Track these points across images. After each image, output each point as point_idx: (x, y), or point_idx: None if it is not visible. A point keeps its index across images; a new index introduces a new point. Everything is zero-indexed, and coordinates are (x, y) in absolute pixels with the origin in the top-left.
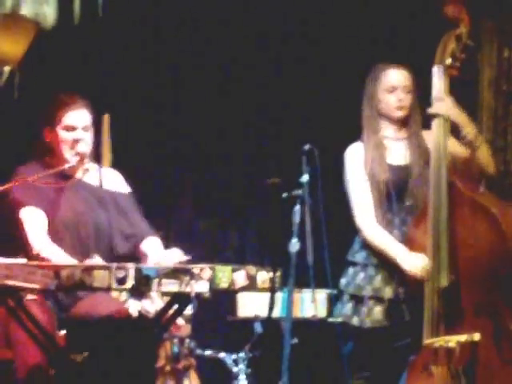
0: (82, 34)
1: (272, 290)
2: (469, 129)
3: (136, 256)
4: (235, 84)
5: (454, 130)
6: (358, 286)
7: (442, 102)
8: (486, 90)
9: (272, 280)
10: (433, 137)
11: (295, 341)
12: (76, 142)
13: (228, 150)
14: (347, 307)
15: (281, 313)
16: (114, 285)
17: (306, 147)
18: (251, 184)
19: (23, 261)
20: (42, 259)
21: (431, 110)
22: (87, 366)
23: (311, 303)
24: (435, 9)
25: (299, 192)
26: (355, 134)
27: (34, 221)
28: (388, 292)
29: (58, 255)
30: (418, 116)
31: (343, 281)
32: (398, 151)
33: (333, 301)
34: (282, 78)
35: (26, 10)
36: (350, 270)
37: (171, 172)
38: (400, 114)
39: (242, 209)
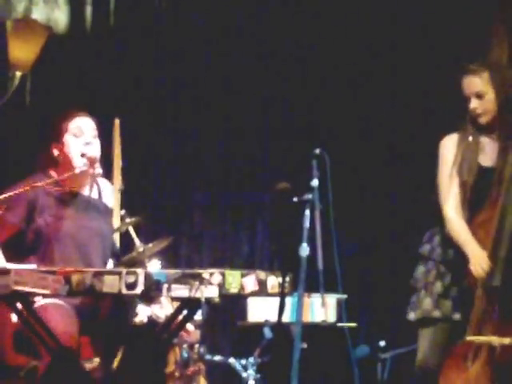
0: (94, 39)
1: (282, 295)
2: None
3: None
4: (245, 88)
5: None
6: (415, 279)
7: None
8: None
9: (282, 285)
10: None
11: (305, 345)
12: (87, 144)
13: (237, 155)
14: (409, 304)
15: (291, 318)
16: (124, 290)
17: (316, 151)
18: (261, 189)
19: (33, 266)
20: None
21: None
22: (95, 371)
23: (321, 308)
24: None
25: (309, 196)
26: (365, 138)
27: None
28: (438, 287)
29: None
30: (508, 116)
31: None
32: (490, 151)
33: (342, 305)
34: (293, 83)
35: (37, 15)
36: (418, 263)
37: (182, 177)
38: (481, 120)
39: (252, 213)
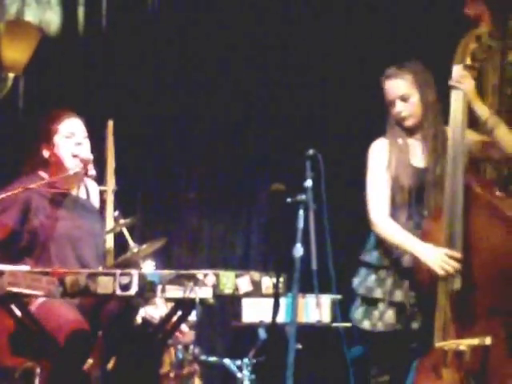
0: (86, 40)
1: (276, 296)
2: (481, 110)
3: None
4: (240, 89)
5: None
6: (368, 288)
7: (464, 79)
8: (490, 95)
9: (276, 285)
10: (451, 110)
11: (299, 346)
12: (78, 145)
13: (232, 155)
14: (358, 311)
15: (285, 318)
16: (118, 291)
17: (310, 152)
18: (255, 189)
19: (26, 268)
20: None
21: (451, 82)
22: (91, 372)
23: (315, 308)
24: (455, 7)
25: (303, 197)
26: (358, 139)
27: None
28: (398, 295)
29: None
30: (432, 117)
31: (356, 281)
32: (419, 153)
33: (337, 306)
34: (287, 84)
35: (30, 17)
36: (363, 271)
37: (176, 177)
38: (407, 123)
39: (246, 214)
